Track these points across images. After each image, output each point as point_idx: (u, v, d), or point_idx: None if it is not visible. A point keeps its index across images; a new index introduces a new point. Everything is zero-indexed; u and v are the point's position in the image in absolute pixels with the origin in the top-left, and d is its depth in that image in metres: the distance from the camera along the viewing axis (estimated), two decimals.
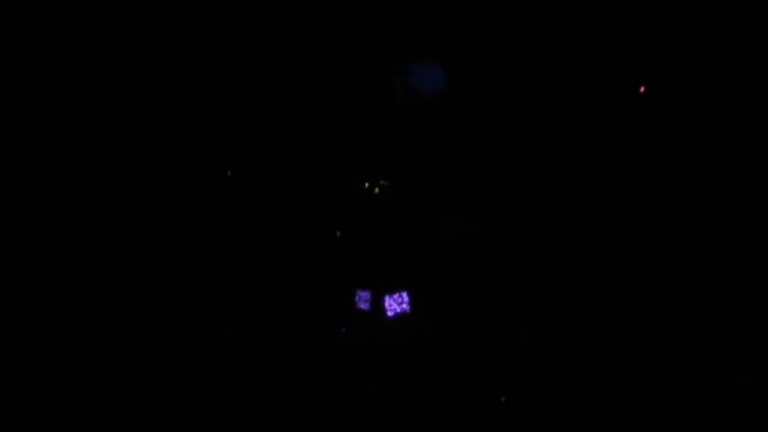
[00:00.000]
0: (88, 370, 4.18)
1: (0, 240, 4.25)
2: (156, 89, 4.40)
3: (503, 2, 4.30)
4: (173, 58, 4.39)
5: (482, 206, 4.55)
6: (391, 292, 4.71)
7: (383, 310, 4.71)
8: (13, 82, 4.25)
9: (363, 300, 4.71)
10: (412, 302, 4.72)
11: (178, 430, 4.24)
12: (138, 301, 4.34)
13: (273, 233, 4.53)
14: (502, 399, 4.32)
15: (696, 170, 4.31)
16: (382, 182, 4.43)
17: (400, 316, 4.70)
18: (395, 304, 4.71)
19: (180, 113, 4.37)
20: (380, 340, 4.67)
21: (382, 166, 4.56)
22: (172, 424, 4.23)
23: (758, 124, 4.22)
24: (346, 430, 4.41)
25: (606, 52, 4.30)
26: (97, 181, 4.36)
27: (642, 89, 4.24)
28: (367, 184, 4.46)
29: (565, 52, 4.34)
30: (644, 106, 4.31)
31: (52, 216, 4.31)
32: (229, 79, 4.44)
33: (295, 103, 4.49)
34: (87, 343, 4.23)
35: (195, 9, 4.26)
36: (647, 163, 4.38)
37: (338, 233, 4.58)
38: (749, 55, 4.21)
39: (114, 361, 4.21)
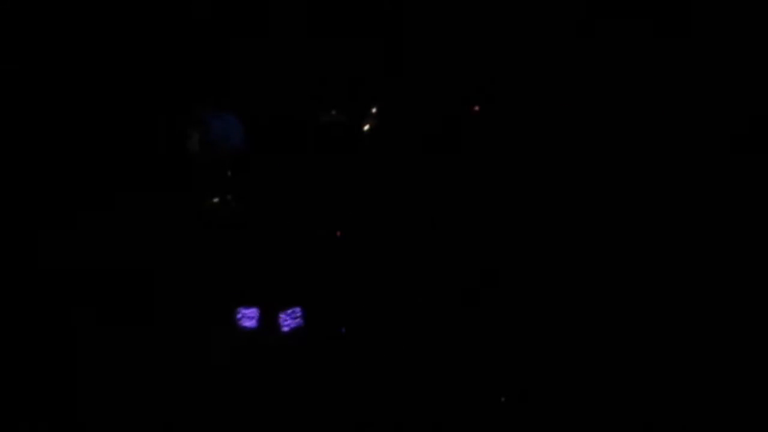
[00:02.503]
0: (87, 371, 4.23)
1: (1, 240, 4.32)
2: (156, 89, 4.45)
3: None
4: (174, 58, 4.47)
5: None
6: (282, 308, 4.25)
7: (275, 327, 4.18)
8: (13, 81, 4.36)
9: (248, 317, 4.17)
10: (305, 316, 4.24)
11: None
12: (137, 302, 4.31)
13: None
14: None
15: (695, 170, 4.21)
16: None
17: (294, 331, 4.20)
18: (290, 319, 4.20)
19: (179, 113, 4.39)
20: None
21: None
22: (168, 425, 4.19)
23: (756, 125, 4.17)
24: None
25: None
26: (97, 181, 4.37)
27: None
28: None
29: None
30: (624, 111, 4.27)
31: (52, 215, 4.32)
32: (225, 80, 4.49)
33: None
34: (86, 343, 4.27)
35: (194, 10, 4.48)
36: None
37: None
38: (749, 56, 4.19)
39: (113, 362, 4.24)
